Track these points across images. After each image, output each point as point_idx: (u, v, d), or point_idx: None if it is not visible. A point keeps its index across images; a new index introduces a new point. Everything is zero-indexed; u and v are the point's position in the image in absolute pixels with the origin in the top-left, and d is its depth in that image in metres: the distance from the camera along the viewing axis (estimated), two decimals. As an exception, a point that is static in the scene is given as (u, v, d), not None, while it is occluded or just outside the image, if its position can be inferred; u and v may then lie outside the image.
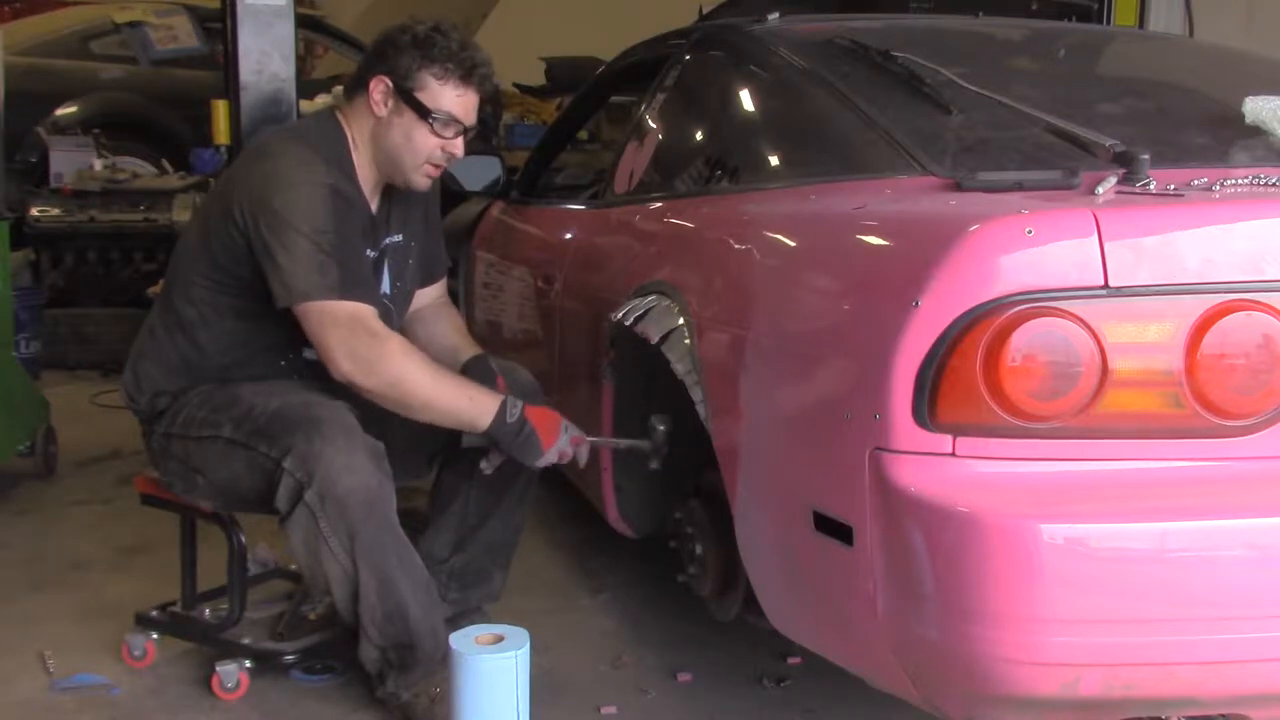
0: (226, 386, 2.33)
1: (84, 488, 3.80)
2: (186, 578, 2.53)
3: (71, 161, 5.95)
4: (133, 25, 7.07)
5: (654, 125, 2.95)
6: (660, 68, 3.01)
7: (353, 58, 7.70)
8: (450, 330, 2.62)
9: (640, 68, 3.25)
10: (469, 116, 2.35)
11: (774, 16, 2.74)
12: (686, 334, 2.16)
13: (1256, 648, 1.55)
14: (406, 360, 2.21)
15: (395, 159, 2.35)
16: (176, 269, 2.42)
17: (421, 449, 2.48)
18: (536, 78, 7.74)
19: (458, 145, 2.36)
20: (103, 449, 4.16)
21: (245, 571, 2.46)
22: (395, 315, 2.46)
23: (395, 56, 2.30)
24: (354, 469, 2.14)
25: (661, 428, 2.35)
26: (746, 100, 2.68)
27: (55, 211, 5.65)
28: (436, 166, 2.37)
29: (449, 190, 3.91)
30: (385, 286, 2.44)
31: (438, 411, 2.24)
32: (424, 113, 2.30)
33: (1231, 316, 1.58)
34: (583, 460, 2.38)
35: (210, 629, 2.48)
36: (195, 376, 2.36)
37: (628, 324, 2.30)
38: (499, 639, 2.06)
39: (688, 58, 2.91)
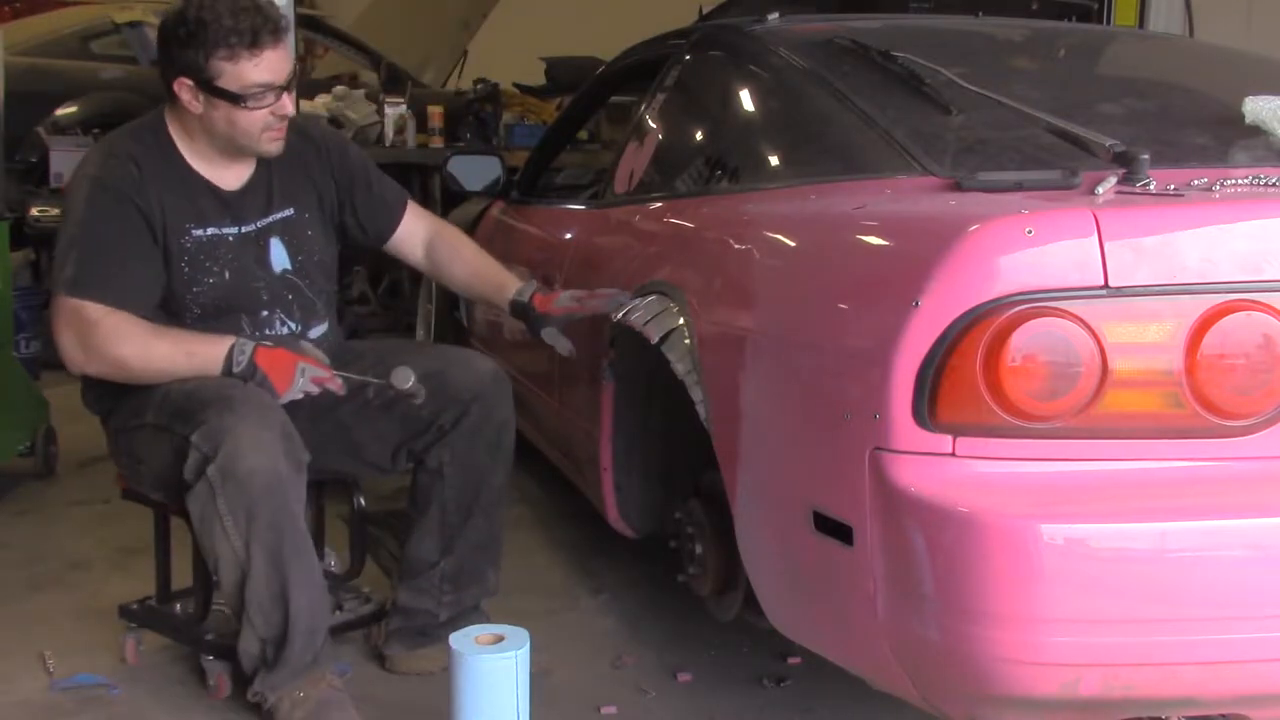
0: None
1: (84, 488, 3.80)
2: (160, 572, 2.53)
3: (71, 161, 5.91)
4: (133, 25, 7.08)
5: (654, 125, 2.95)
6: (660, 68, 3.01)
7: (353, 58, 7.70)
8: (476, 266, 2.66)
9: (640, 68, 3.25)
10: (280, 73, 2.29)
11: (774, 16, 2.74)
12: (686, 334, 2.16)
13: (1256, 648, 1.55)
14: (117, 340, 2.21)
15: (234, 142, 2.34)
16: None
17: (385, 443, 2.46)
18: (536, 78, 7.73)
19: (285, 104, 2.32)
20: (103, 449, 4.10)
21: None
22: (305, 288, 2.45)
23: (180, 55, 2.26)
24: (261, 449, 2.11)
25: (408, 382, 2.29)
26: (746, 100, 2.68)
27: (55, 211, 5.64)
28: (278, 129, 2.34)
29: (449, 190, 3.93)
30: (285, 263, 2.43)
31: (164, 375, 2.24)
32: (235, 98, 2.26)
33: (1231, 316, 1.58)
34: (341, 391, 2.30)
35: (180, 624, 2.48)
36: (118, 387, 2.33)
37: (628, 324, 2.30)
38: (499, 639, 2.06)
39: (688, 58, 2.91)
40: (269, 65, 2.27)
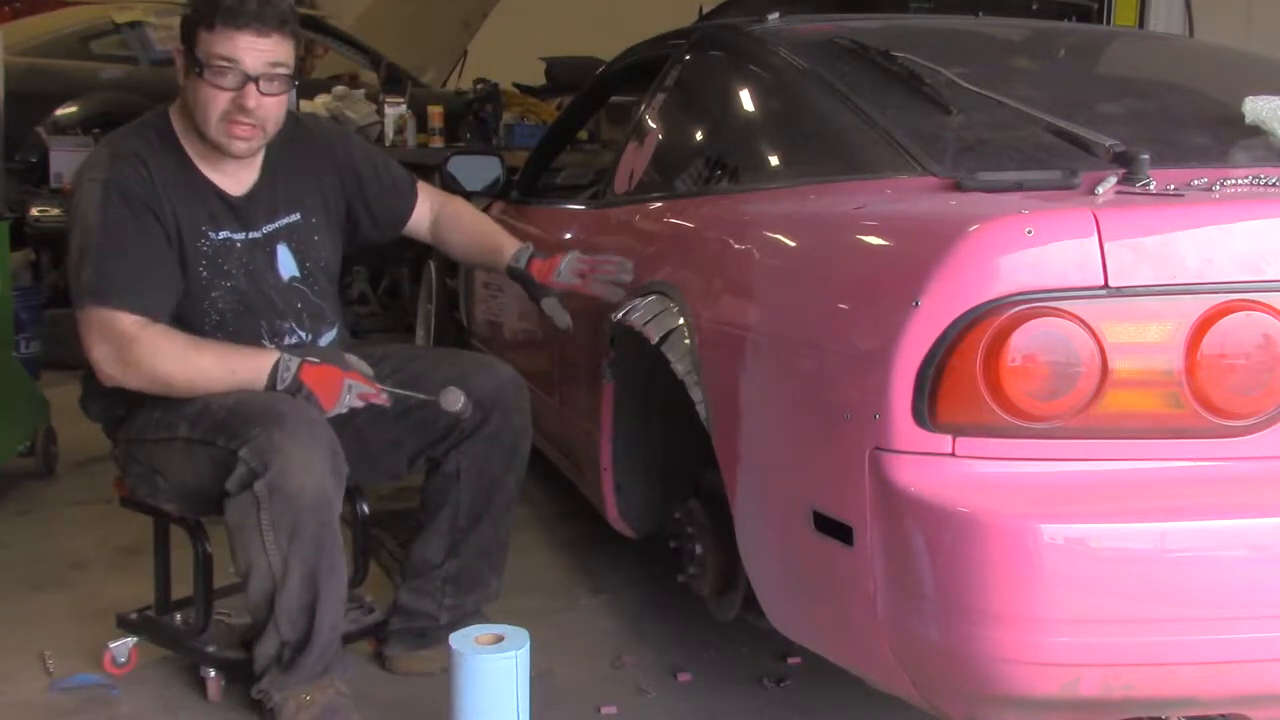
0: None
1: (84, 488, 3.80)
2: (160, 582, 2.51)
3: (71, 161, 5.93)
4: (133, 25, 7.08)
5: (654, 125, 2.95)
6: (660, 68, 3.01)
7: (353, 58, 7.71)
8: (474, 233, 2.68)
9: (640, 68, 3.25)
10: (251, 58, 2.20)
11: (774, 16, 2.74)
12: (686, 334, 2.16)
13: (1256, 648, 1.55)
14: (157, 356, 2.18)
15: (199, 125, 2.27)
16: None
17: (401, 450, 2.46)
18: (536, 78, 7.74)
19: (248, 95, 2.21)
20: (103, 449, 4.09)
21: (211, 579, 2.41)
22: (312, 295, 2.43)
23: (184, 24, 2.25)
24: (311, 468, 2.10)
25: (458, 404, 2.27)
26: (746, 100, 2.68)
27: (55, 211, 5.65)
28: (240, 124, 2.23)
29: (449, 190, 3.93)
30: (293, 269, 2.40)
31: (206, 391, 2.20)
32: (198, 66, 2.20)
33: (1231, 316, 1.58)
34: (388, 404, 2.29)
35: (180, 635, 2.47)
36: (132, 394, 2.28)
37: (628, 324, 2.30)
38: (499, 639, 2.06)
39: (688, 58, 2.91)
40: (242, 44, 2.19)
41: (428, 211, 2.66)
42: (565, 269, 2.50)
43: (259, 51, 2.22)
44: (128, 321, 2.17)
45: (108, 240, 2.20)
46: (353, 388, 2.22)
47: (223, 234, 2.32)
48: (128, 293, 2.19)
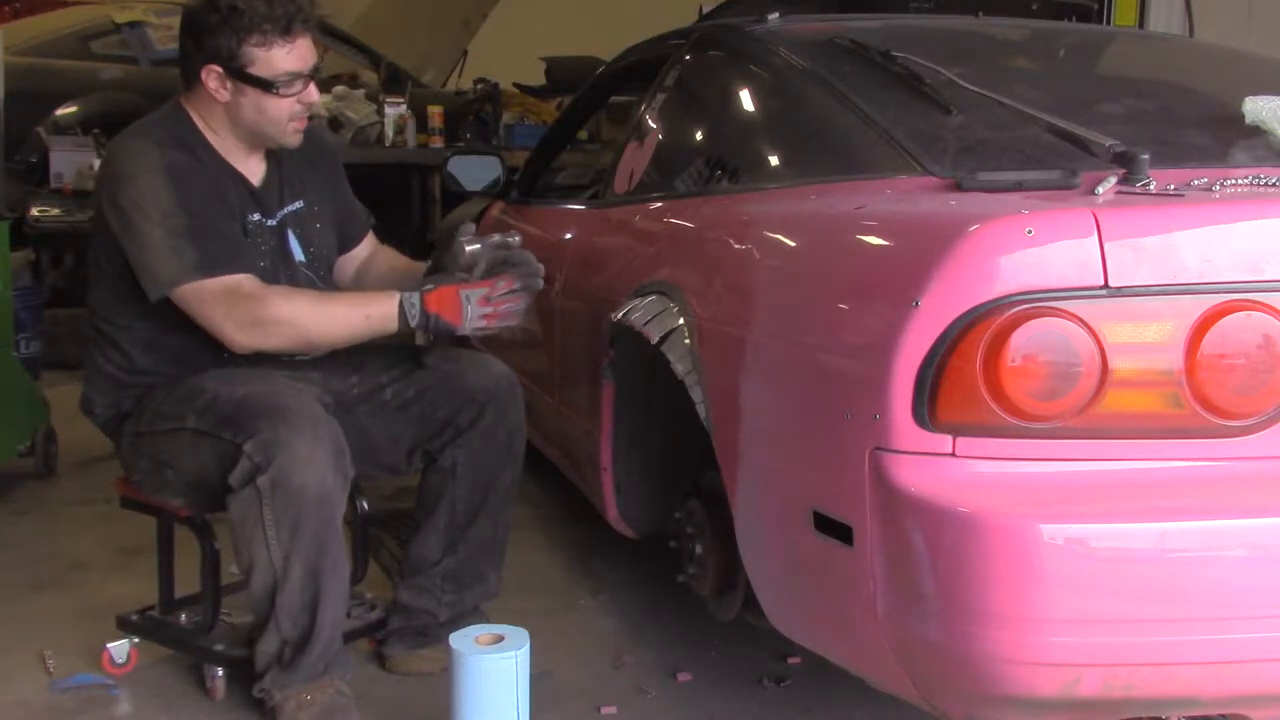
0: (189, 379, 2.30)
1: (84, 488, 3.81)
2: (164, 582, 2.52)
3: (71, 161, 5.95)
4: (133, 25, 7.09)
5: (654, 125, 2.95)
6: (660, 68, 3.01)
7: (353, 58, 7.71)
8: (388, 262, 2.68)
9: (640, 68, 3.25)
10: (308, 62, 2.31)
11: (774, 16, 2.74)
12: (686, 334, 2.16)
13: (1256, 648, 1.55)
14: (291, 306, 2.23)
15: (258, 131, 2.34)
16: (89, 286, 2.42)
17: (399, 445, 2.47)
18: (536, 78, 7.74)
19: (311, 93, 2.34)
20: (103, 449, 4.12)
21: (218, 577, 2.41)
22: (318, 280, 2.47)
23: (211, 40, 2.25)
24: (314, 464, 2.11)
25: (472, 246, 2.34)
26: (746, 100, 2.68)
27: (55, 211, 5.66)
28: (303, 119, 2.36)
29: (449, 190, 3.93)
30: (299, 254, 2.45)
31: (342, 338, 2.28)
32: (266, 85, 2.27)
33: (1231, 316, 1.58)
34: (513, 284, 2.30)
35: (185, 635, 2.47)
36: (140, 391, 2.32)
37: (628, 324, 2.30)
38: (499, 639, 2.07)
39: (688, 58, 2.91)
40: (300, 53, 2.29)
41: (367, 254, 2.68)
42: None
43: (310, 50, 2.32)
44: (250, 283, 2.23)
45: (195, 219, 2.23)
46: (470, 297, 2.27)
47: (254, 216, 2.38)
48: (235, 259, 2.25)
